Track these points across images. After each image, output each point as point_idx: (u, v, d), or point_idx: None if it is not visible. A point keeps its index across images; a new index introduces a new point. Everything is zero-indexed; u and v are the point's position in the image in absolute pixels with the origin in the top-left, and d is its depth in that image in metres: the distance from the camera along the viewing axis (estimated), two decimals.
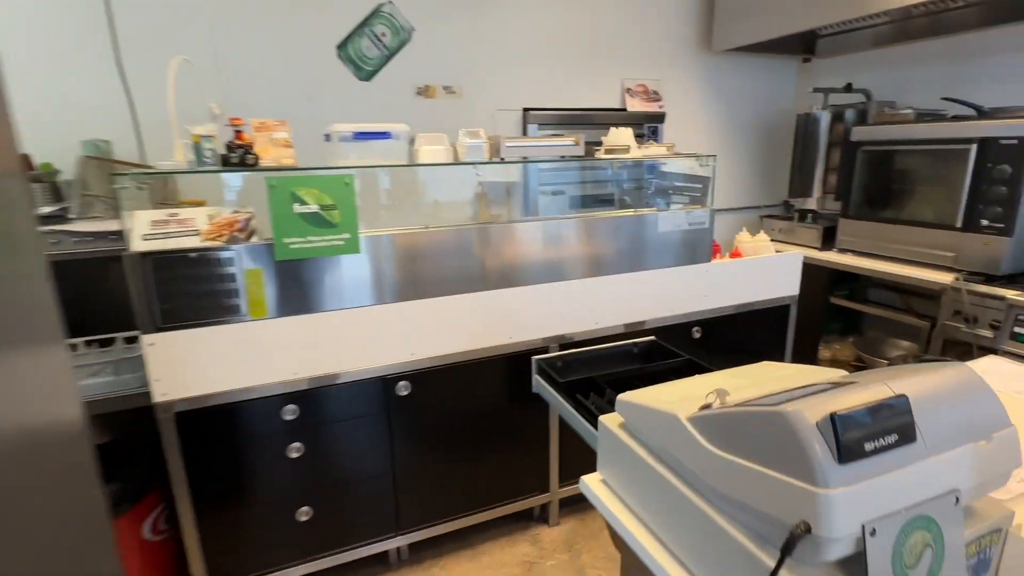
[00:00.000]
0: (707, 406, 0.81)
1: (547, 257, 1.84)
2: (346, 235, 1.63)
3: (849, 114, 3.07)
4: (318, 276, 1.66)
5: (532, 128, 2.98)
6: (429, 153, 1.67)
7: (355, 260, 1.67)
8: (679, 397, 0.90)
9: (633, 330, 2.01)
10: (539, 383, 1.53)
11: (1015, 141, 2.26)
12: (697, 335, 2.16)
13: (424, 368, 1.73)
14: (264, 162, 1.64)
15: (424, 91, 2.76)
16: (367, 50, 2.58)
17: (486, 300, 1.77)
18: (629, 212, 1.96)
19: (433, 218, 2.13)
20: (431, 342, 1.73)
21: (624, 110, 3.24)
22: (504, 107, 2.95)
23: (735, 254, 2.23)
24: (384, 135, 1.69)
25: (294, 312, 1.64)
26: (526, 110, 3.00)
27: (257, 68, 2.38)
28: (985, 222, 2.40)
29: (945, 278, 2.47)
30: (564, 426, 1.98)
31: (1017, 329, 2.12)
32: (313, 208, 1.58)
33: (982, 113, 2.48)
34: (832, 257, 2.97)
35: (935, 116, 2.70)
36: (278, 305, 1.64)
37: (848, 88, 3.12)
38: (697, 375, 1.11)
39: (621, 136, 2.02)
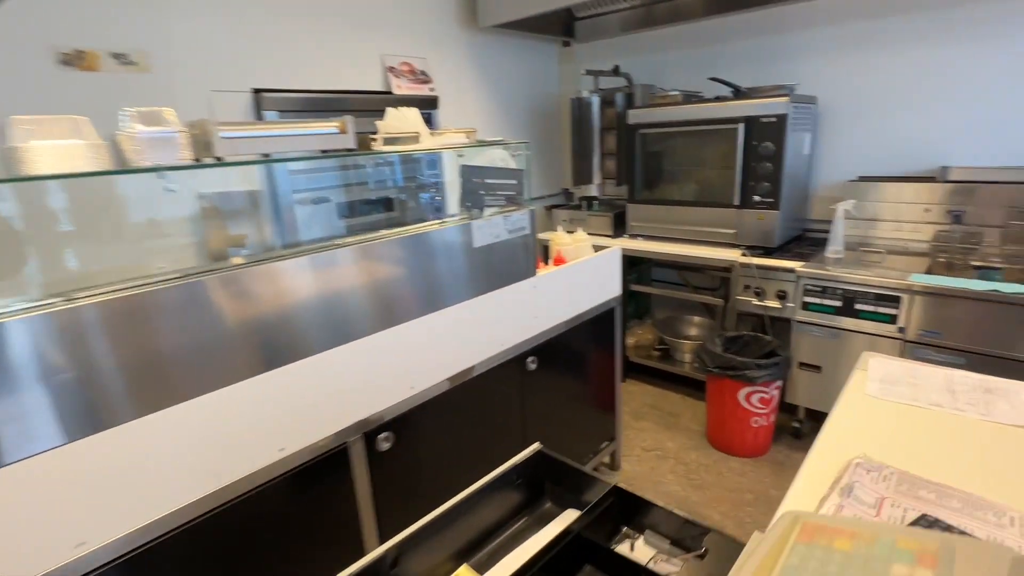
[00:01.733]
0: None
1: (321, 310, 1.18)
2: None
3: (619, 98, 3.01)
4: None
5: (270, 117, 2.18)
6: (47, 155, 0.85)
7: None
8: None
9: (459, 382, 1.48)
10: None
11: (774, 119, 2.36)
12: (533, 366, 1.75)
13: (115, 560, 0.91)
14: None
15: (75, 59, 1.75)
16: None
17: (230, 403, 1.04)
18: (432, 225, 1.41)
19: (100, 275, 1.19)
20: (124, 513, 0.92)
21: (389, 93, 2.65)
22: (223, 87, 2.10)
23: (558, 260, 1.88)
24: None
25: None
26: (257, 91, 2.19)
27: None
28: (757, 198, 2.49)
29: (732, 255, 2.52)
30: None
31: (807, 299, 2.22)
32: None
33: (739, 93, 2.57)
34: (625, 243, 2.89)
35: (699, 98, 2.75)
36: None
37: (616, 71, 3.06)
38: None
39: (405, 119, 1.44)
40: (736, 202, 2.55)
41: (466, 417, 1.55)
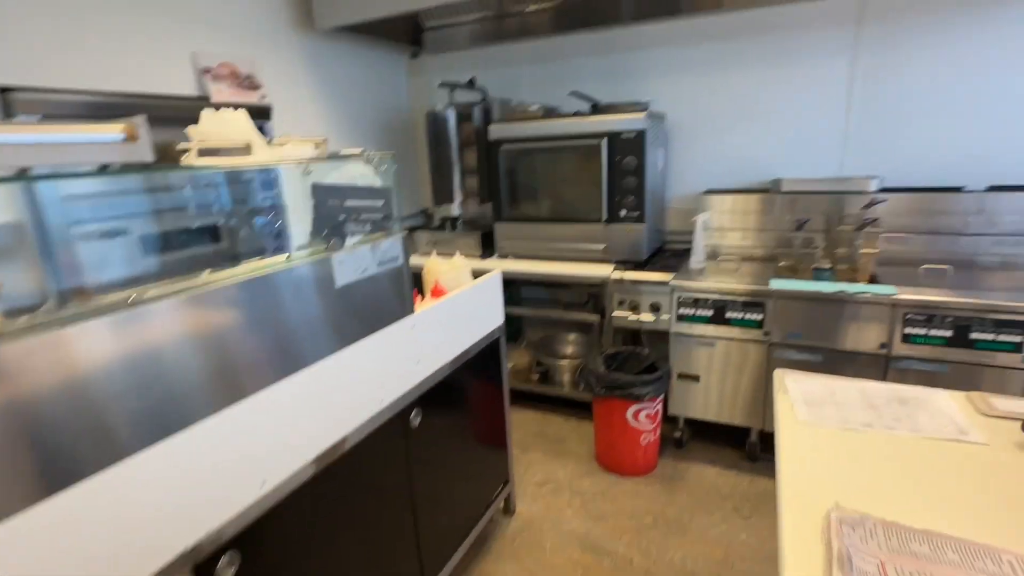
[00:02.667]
0: None
1: (120, 393, 0.79)
2: None
3: (476, 111, 2.86)
4: None
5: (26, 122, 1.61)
6: None
7: None
8: None
9: (329, 462, 1.15)
10: None
11: (634, 134, 2.38)
12: (417, 421, 1.46)
13: None
14: None
15: None
16: None
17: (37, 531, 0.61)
18: (277, 264, 1.07)
19: None
20: None
21: (207, 100, 2.18)
22: None
23: (436, 291, 1.62)
24: None
25: None
26: (6, 90, 1.61)
27: None
28: (624, 212, 2.50)
29: (604, 270, 2.49)
30: None
31: (682, 311, 2.24)
32: None
33: (598, 108, 2.57)
34: (495, 264, 2.73)
35: (559, 113, 2.70)
36: None
37: (472, 84, 2.91)
38: None
39: (229, 124, 1.09)
40: (604, 217, 2.53)
41: (340, 508, 1.21)
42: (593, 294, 3.08)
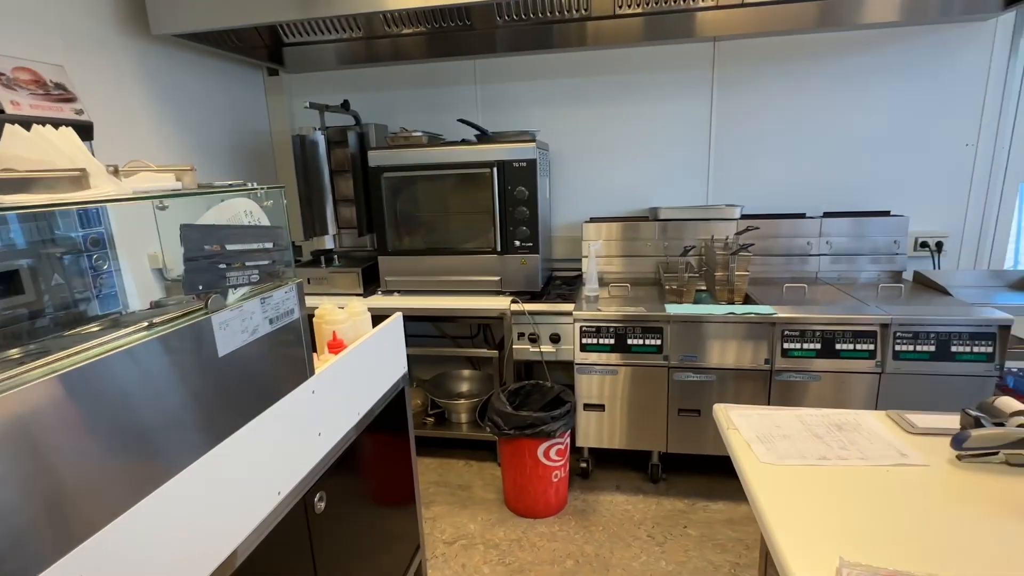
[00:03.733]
0: None
1: None
2: None
3: (352, 137, 2.63)
4: None
5: None
6: None
7: None
8: None
9: None
10: None
11: (524, 164, 2.34)
12: (322, 504, 1.20)
13: None
14: None
15: None
16: None
17: None
18: (133, 336, 0.79)
19: None
20: None
21: (1, 113, 1.68)
22: None
23: (334, 345, 1.37)
24: None
25: None
26: None
27: None
28: (518, 242, 2.44)
29: (501, 303, 2.40)
30: None
31: (585, 340, 2.21)
32: None
33: (485, 136, 2.50)
34: (380, 302, 2.50)
35: (443, 140, 2.58)
36: None
37: (346, 106, 2.67)
38: None
39: (52, 146, 0.78)
40: (498, 248, 2.45)
41: None
42: (484, 326, 2.98)
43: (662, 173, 2.79)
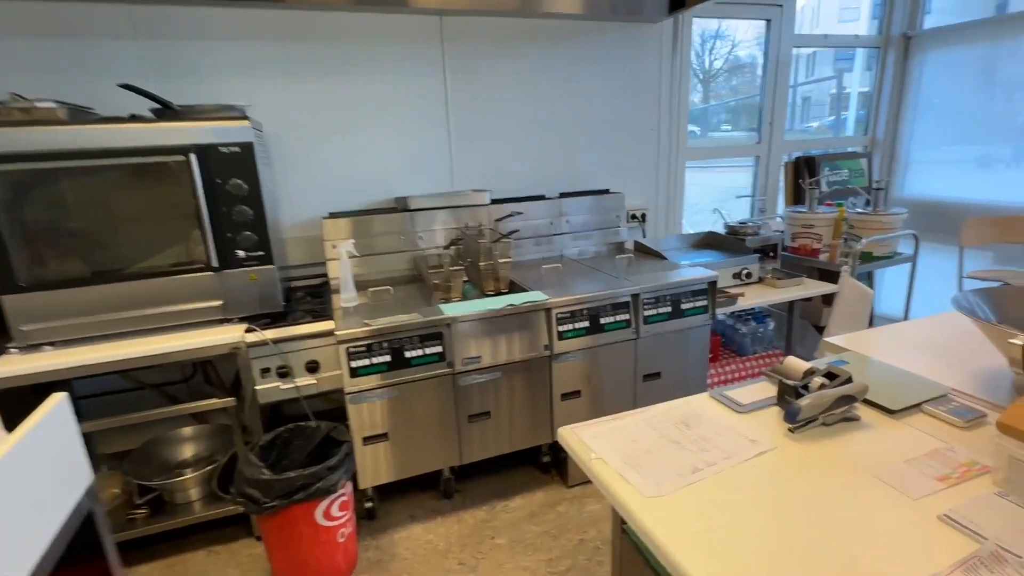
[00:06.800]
0: None
1: None
2: None
3: None
4: None
5: None
6: None
7: None
8: None
9: None
10: None
11: (238, 149, 1.77)
12: None
13: None
14: None
15: None
16: None
17: None
18: None
19: None
20: None
21: None
22: None
23: None
24: None
25: None
26: None
27: None
28: (242, 253, 1.86)
29: (231, 333, 1.81)
30: None
31: (355, 364, 1.81)
32: None
33: (172, 112, 1.80)
34: (14, 367, 1.62)
35: (96, 116, 1.77)
36: None
37: None
38: None
39: None
40: (214, 263, 1.82)
41: None
42: (193, 364, 2.26)
43: (403, 158, 2.52)
